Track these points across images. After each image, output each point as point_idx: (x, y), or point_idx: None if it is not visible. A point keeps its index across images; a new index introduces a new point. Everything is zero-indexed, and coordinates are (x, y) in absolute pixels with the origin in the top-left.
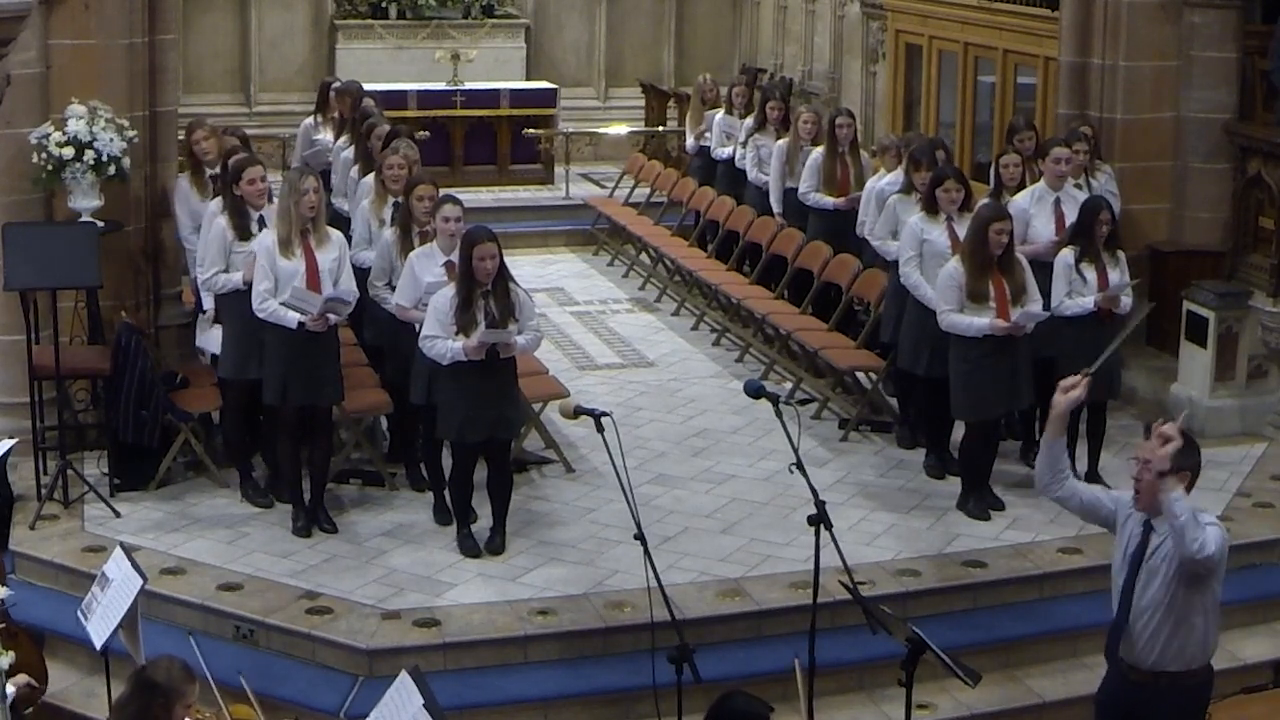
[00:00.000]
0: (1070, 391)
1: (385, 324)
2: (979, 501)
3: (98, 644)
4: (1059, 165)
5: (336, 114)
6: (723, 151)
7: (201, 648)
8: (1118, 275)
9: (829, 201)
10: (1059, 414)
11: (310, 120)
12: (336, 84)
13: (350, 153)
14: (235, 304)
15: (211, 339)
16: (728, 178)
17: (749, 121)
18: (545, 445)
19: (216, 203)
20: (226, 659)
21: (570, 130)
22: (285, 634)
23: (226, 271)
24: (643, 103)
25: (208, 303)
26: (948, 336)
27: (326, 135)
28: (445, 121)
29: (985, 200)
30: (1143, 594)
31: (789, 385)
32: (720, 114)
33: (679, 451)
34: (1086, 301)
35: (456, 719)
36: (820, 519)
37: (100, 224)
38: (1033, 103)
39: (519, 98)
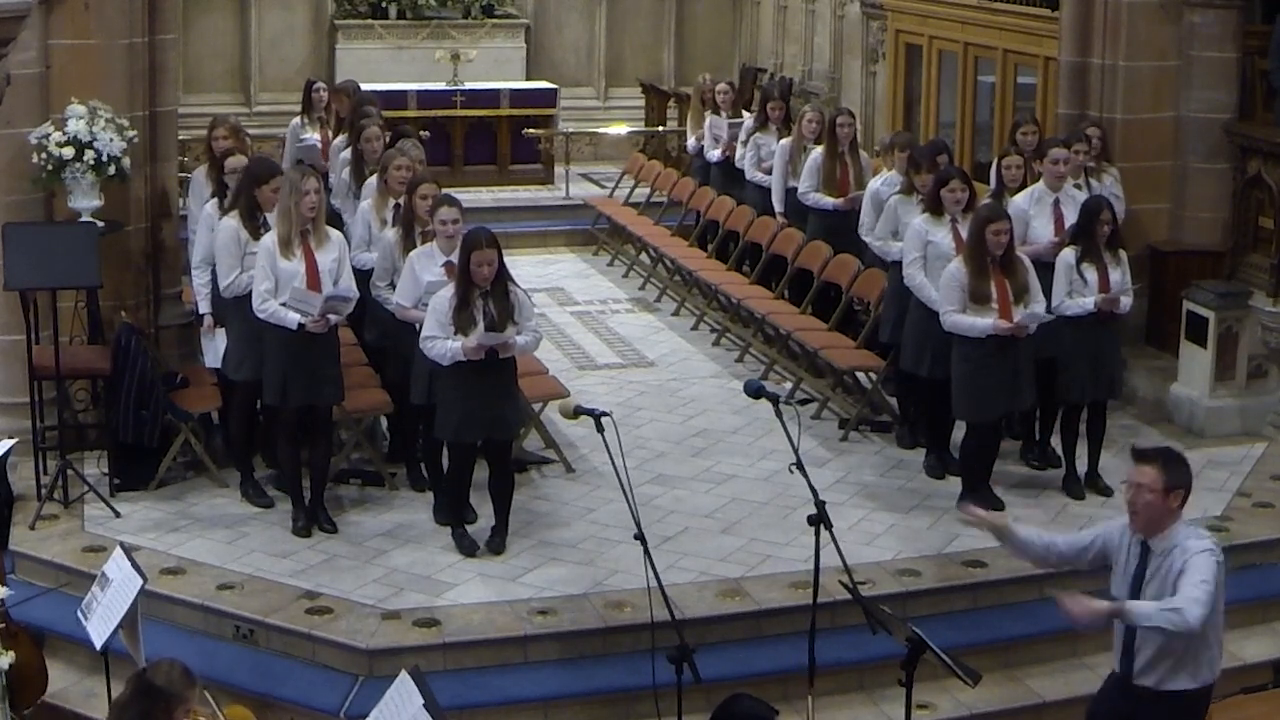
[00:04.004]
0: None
1: (388, 324)
2: (979, 502)
3: (98, 644)
4: (1057, 166)
5: (322, 113)
6: (715, 155)
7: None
8: (1119, 275)
9: (829, 201)
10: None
11: (297, 120)
12: (319, 84)
13: (349, 153)
14: (250, 304)
15: (214, 351)
16: (721, 178)
17: (749, 121)
18: (545, 445)
19: (213, 204)
20: (226, 659)
21: (570, 130)
22: (285, 634)
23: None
24: (643, 103)
25: (204, 306)
26: (950, 338)
27: (313, 135)
28: (445, 121)
29: (984, 201)
30: None
31: (789, 385)
32: (709, 115)
33: (679, 451)
34: (1087, 302)
35: (456, 719)
36: (820, 519)
37: (100, 224)
38: (1033, 103)
39: (519, 98)
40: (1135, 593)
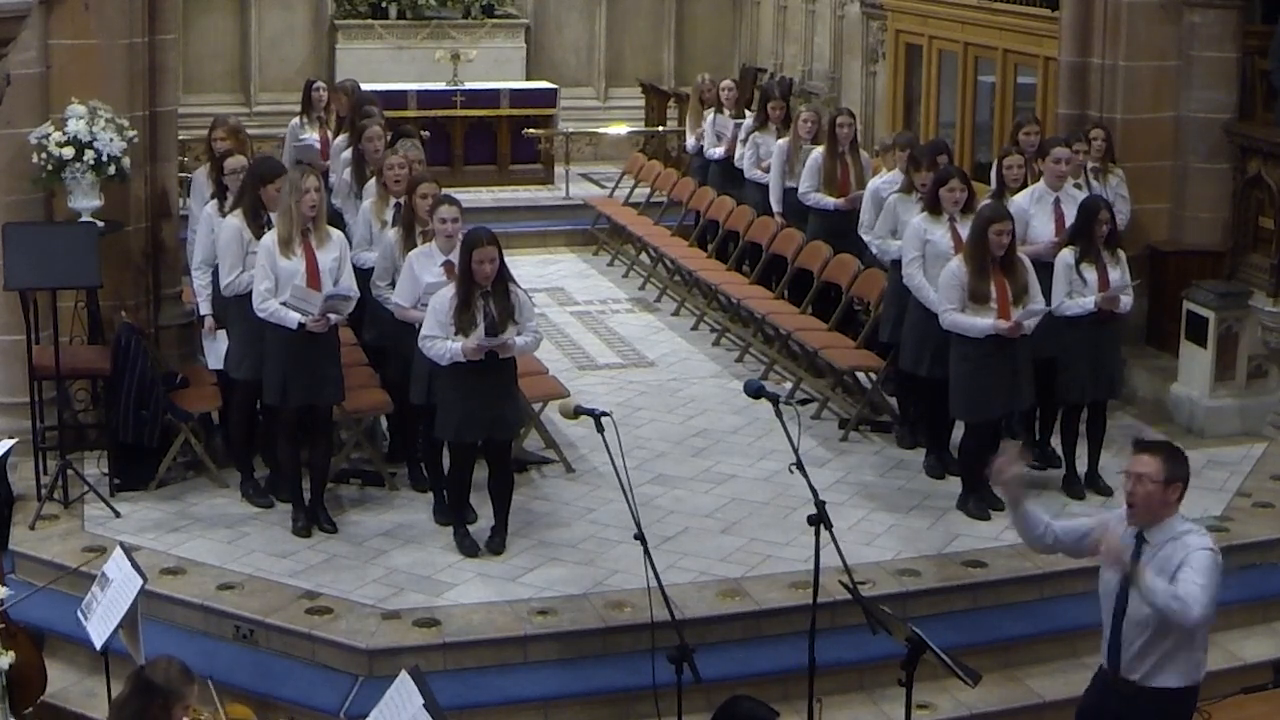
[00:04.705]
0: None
1: (387, 324)
2: (979, 501)
3: (98, 644)
4: (1059, 165)
5: (322, 113)
6: (715, 152)
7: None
8: (1118, 275)
9: (829, 201)
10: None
11: (296, 120)
12: (318, 84)
13: (350, 153)
14: (251, 304)
15: (216, 353)
16: (720, 177)
17: (749, 120)
18: (545, 445)
19: (213, 205)
20: (226, 659)
21: (570, 130)
22: (285, 634)
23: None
24: (643, 103)
25: (204, 307)
26: (949, 338)
27: (312, 134)
28: (445, 121)
29: (986, 200)
30: (1137, 609)
31: (789, 385)
32: (712, 113)
33: (679, 451)
34: (1087, 302)
35: (456, 719)
36: (820, 519)
37: (100, 224)
38: (1033, 103)
39: (519, 98)
40: (1126, 583)
